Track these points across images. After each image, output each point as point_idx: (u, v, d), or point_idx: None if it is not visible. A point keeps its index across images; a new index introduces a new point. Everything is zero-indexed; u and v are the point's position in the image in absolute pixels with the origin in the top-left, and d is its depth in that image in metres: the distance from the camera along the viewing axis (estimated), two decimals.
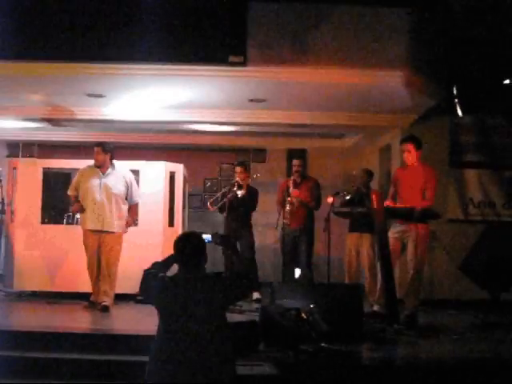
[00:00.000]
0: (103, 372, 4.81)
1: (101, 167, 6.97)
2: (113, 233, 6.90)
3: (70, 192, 7.15)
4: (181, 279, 3.62)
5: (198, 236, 3.81)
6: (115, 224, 6.90)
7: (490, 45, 6.44)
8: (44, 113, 8.22)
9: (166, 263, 3.83)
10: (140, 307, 6.83)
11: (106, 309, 6.69)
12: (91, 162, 7.09)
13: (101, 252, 6.90)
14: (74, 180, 7.20)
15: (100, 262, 6.90)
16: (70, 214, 8.28)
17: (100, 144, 7.05)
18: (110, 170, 7.00)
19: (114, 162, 7.09)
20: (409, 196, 6.40)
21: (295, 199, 7.62)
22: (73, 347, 5.14)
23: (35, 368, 4.84)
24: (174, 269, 3.77)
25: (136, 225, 7.64)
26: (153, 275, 3.67)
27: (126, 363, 4.84)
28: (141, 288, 3.73)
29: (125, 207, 7.03)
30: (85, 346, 5.18)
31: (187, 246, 3.68)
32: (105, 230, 6.86)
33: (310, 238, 7.80)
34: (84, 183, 7.00)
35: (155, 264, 3.81)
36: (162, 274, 3.70)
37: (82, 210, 6.98)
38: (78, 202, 7.00)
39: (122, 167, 7.17)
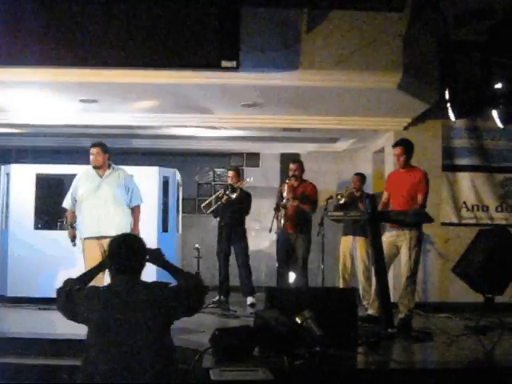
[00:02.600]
0: None
1: (99, 169, 6.61)
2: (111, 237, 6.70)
3: (65, 204, 6.79)
4: (121, 287, 3.30)
5: (137, 238, 3.55)
6: (115, 228, 6.22)
7: (482, 49, 6.46)
8: (37, 118, 8.20)
9: (84, 277, 3.59)
10: None
11: None
12: (85, 167, 6.78)
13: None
14: (71, 188, 6.79)
15: None
16: (64, 220, 8.26)
17: (99, 144, 6.67)
18: (108, 171, 6.65)
19: (111, 163, 6.73)
20: (401, 200, 6.42)
21: (289, 203, 7.61)
22: (66, 353, 5.12)
23: (28, 374, 4.82)
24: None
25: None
26: (76, 290, 3.34)
27: None
28: (61, 307, 3.39)
29: (126, 211, 6.62)
30: (78, 352, 5.16)
31: (124, 249, 3.42)
32: (102, 235, 6.34)
33: (306, 243, 7.79)
34: (81, 188, 6.64)
35: (69, 280, 3.50)
36: (91, 286, 3.45)
37: (73, 238, 6.68)
38: (73, 227, 6.70)
39: (120, 168, 6.81)
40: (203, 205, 8.13)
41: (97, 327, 3.20)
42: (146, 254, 3.49)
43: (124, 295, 3.23)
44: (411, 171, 6.52)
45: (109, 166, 6.67)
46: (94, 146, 6.66)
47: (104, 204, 6.51)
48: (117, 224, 6.43)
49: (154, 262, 3.60)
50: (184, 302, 3.36)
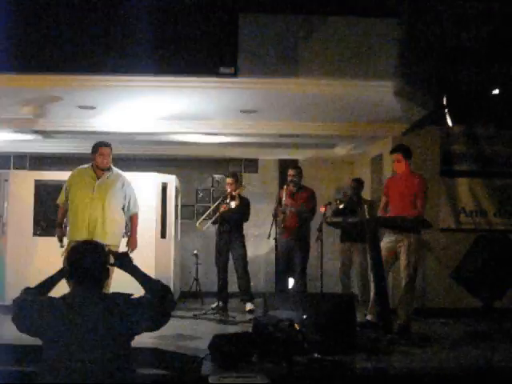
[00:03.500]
0: None
1: (101, 170, 6.24)
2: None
3: (59, 200, 6.44)
4: (76, 299, 3.06)
5: (98, 246, 3.31)
6: (108, 234, 6.08)
7: (480, 55, 6.47)
8: (35, 125, 8.20)
9: (44, 285, 3.31)
10: None
11: None
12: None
13: None
14: (65, 185, 6.42)
15: None
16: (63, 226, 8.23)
17: (110, 144, 6.30)
18: (107, 174, 6.28)
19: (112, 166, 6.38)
20: (400, 205, 6.42)
21: (288, 209, 7.62)
22: None
23: (26, 382, 4.81)
24: None
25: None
26: (29, 302, 3.10)
27: None
28: (15, 319, 3.10)
29: (121, 217, 6.34)
30: None
31: (81, 258, 3.16)
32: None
33: (305, 249, 7.80)
34: (74, 188, 6.29)
35: (27, 289, 3.24)
36: (45, 297, 3.19)
37: (61, 238, 6.31)
38: (62, 228, 6.38)
39: (121, 173, 6.44)
40: (199, 222, 8.09)
41: (50, 341, 3.00)
42: (106, 265, 3.25)
43: (78, 307, 3.01)
44: (409, 177, 6.52)
45: (108, 168, 6.33)
46: (106, 145, 6.28)
47: (96, 208, 6.14)
48: (107, 230, 6.15)
49: (121, 267, 3.35)
50: (146, 314, 3.10)
